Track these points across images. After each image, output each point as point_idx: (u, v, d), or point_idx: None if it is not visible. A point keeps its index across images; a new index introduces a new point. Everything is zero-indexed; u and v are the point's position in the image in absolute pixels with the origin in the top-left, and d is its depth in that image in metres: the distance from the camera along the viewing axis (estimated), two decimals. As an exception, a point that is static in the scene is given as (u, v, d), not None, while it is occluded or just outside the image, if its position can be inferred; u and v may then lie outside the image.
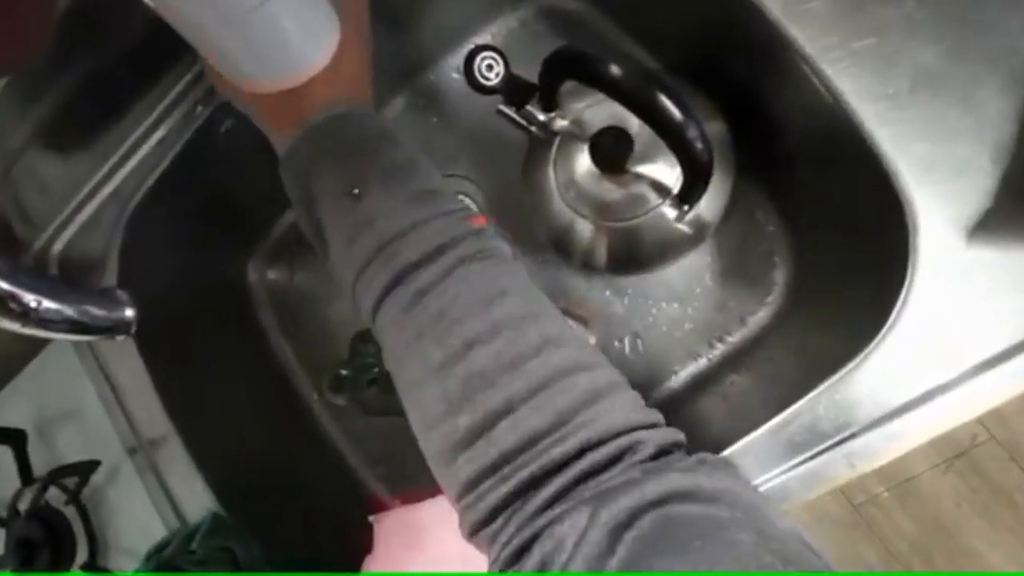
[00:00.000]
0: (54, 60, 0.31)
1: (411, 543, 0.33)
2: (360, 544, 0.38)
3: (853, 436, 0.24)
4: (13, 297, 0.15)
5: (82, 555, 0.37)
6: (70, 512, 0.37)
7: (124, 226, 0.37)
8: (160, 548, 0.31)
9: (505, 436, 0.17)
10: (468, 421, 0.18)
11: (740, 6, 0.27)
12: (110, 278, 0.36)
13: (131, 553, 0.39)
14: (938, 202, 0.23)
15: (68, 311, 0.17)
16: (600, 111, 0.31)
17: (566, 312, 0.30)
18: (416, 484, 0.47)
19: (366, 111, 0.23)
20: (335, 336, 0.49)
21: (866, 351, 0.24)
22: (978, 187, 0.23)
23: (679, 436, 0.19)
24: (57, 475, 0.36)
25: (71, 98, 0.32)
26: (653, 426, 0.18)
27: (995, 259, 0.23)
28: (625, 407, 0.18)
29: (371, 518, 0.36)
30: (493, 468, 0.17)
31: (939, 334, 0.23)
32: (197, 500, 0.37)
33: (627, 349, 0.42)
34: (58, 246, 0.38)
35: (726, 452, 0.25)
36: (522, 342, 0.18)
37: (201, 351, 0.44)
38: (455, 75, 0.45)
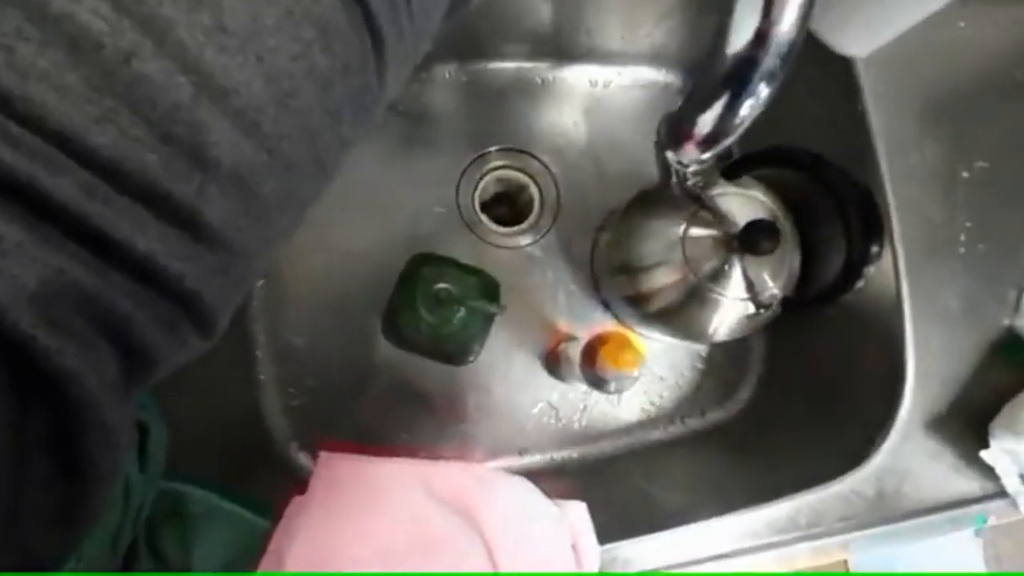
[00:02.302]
0: None
1: (369, 501, 0.28)
2: (245, 464, 0.31)
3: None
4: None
5: None
6: None
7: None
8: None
9: None
10: None
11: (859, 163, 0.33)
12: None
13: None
14: (931, 388, 0.32)
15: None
16: (739, 203, 0.34)
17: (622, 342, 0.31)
18: (325, 432, 0.41)
19: None
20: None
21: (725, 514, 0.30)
22: (973, 388, 0.31)
23: None
24: None
25: None
26: None
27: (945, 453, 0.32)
28: None
29: (321, 453, 0.30)
30: None
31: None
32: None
33: (609, 393, 0.44)
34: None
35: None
36: None
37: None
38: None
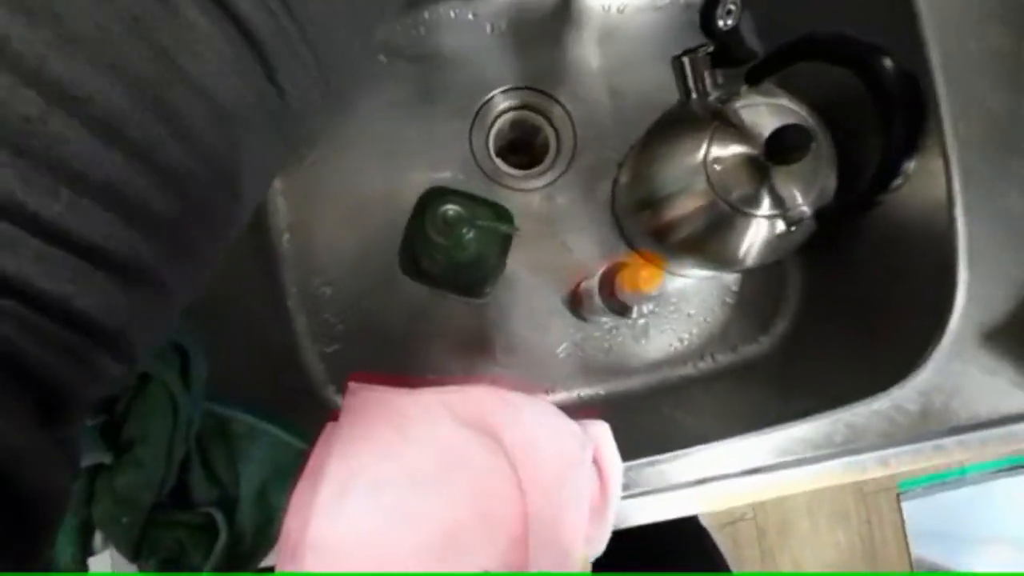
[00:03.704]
0: None
1: (396, 427, 0.30)
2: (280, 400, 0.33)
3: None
4: None
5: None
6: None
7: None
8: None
9: None
10: None
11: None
12: None
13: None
14: (988, 299, 0.29)
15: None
16: (764, 113, 0.32)
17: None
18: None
19: None
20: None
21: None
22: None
23: None
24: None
25: None
26: None
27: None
28: None
29: (350, 384, 0.32)
30: None
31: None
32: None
33: (636, 327, 0.44)
34: None
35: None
36: None
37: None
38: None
